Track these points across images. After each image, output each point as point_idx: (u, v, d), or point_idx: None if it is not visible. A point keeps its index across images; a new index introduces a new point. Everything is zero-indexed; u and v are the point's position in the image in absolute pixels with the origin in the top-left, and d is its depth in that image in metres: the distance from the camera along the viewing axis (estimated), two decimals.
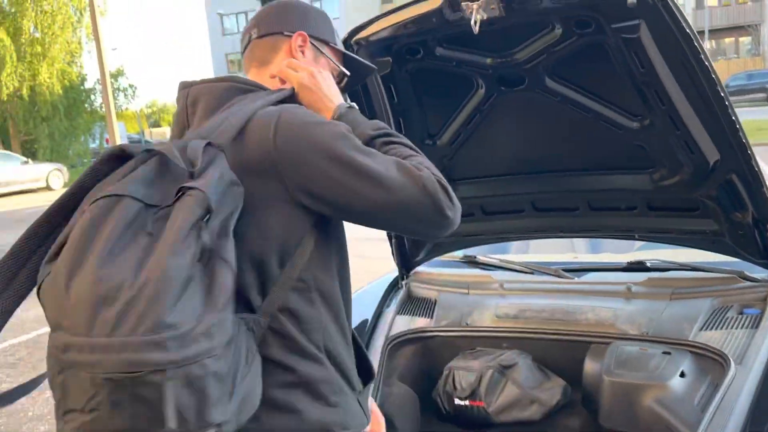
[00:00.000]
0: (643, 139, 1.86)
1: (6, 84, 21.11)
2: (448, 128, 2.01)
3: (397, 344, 2.18)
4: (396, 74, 1.82)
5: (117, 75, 26.00)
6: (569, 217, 2.24)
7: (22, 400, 1.07)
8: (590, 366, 1.91)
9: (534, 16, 1.55)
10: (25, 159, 19.44)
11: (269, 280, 1.01)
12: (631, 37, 1.52)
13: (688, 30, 1.45)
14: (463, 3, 1.51)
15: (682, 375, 1.77)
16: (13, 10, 21.96)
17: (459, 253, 2.70)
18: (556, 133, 1.97)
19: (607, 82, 1.74)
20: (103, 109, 20.68)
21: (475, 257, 2.63)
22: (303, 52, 1.22)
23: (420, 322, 2.31)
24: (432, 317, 2.33)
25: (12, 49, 21.06)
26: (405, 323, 2.31)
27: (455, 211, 1.05)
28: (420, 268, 2.65)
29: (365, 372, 1.21)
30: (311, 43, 1.24)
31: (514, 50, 1.70)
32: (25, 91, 21.91)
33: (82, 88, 24.89)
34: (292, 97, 1.15)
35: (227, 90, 1.10)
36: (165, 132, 60.88)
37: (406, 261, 2.56)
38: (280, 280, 1.02)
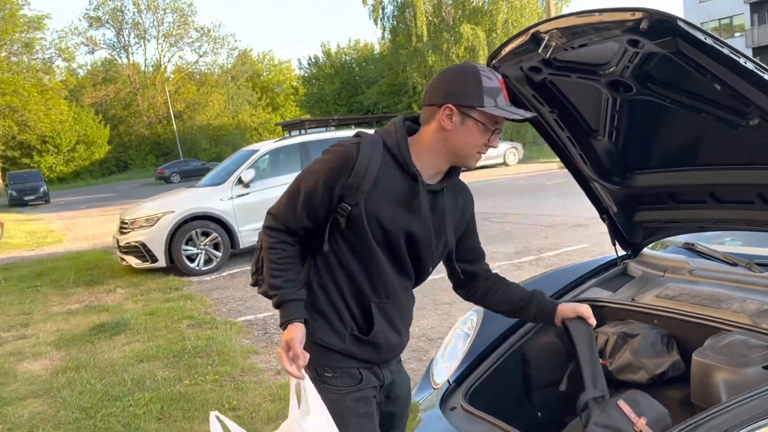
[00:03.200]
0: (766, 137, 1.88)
1: None
2: (602, 127, 2.34)
3: None
4: (534, 85, 2.28)
5: None
6: (748, 210, 2.26)
7: None
8: None
9: (596, 41, 1.87)
10: None
11: None
12: (674, 50, 1.71)
13: (711, 41, 1.61)
14: (541, 35, 1.96)
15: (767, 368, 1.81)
16: (489, 8, 25.47)
17: (681, 240, 2.84)
18: (695, 129, 2.11)
19: (700, 86, 1.87)
20: None
21: (693, 244, 2.75)
22: (451, 119, 1.60)
23: (604, 294, 2.65)
24: (617, 291, 2.64)
25: (484, 44, 24.59)
26: (591, 293, 2.68)
27: None
28: (646, 251, 2.90)
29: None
30: (459, 111, 1.60)
31: (609, 63, 2.00)
32: None
33: None
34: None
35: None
36: None
37: (627, 243, 2.86)
38: None
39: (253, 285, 1.85)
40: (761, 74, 1.63)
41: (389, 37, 28.41)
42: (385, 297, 1.73)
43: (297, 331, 1.63)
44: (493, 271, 2.00)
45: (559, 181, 15.25)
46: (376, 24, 28.20)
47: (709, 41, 1.61)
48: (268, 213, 1.74)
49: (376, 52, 41.48)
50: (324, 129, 11.09)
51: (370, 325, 1.72)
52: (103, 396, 4.23)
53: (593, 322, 1.91)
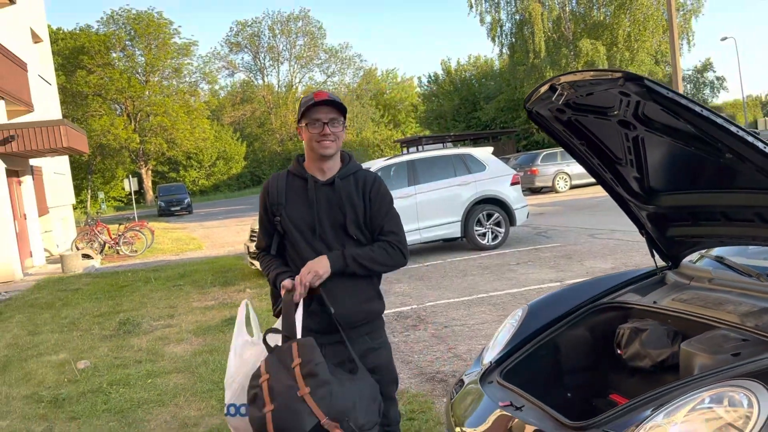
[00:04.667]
0: (744, 167, 2.28)
1: None
2: (624, 156, 2.80)
3: (602, 308, 3.05)
4: (563, 123, 2.79)
5: (703, 69, 26.21)
6: (751, 227, 2.63)
7: None
8: None
9: (598, 91, 2.37)
10: None
11: None
12: (651, 100, 2.19)
13: (672, 94, 2.08)
14: (556, 86, 2.49)
15: (735, 355, 2.21)
16: (610, 23, 25.02)
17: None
18: (694, 159, 2.52)
19: (681, 126, 2.31)
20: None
21: (723, 257, 3.10)
22: (300, 133, 2.38)
23: (634, 297, 3.07)
24: (646, 296, 3.05)
25: (604, 59, 24.19)
26: (624, 297, 3.11)
27: None
28: (684, 262, 3.28)
29: None
30: (299, 126, 2.38)
31: (613, 107, 2.48)
32: None
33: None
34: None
35: None
36: None
37: (666, 256, 3.26)
38: None
39: (275, 315, 2.48)
40: (715, 119, 2.08)
41: (507, 53, 28.64)
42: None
43: (288, 282, 2.27)
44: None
45: None
46: (494, 42, 28.56)
47: (670, 94, 2.09)
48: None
49: (495, 68, 41.72)
50: (441, 145, 11.71)
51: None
52: None
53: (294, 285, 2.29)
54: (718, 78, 26.90)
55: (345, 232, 2.36)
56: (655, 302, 2.91)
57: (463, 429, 2.54)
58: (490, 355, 2.99)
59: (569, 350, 2.97)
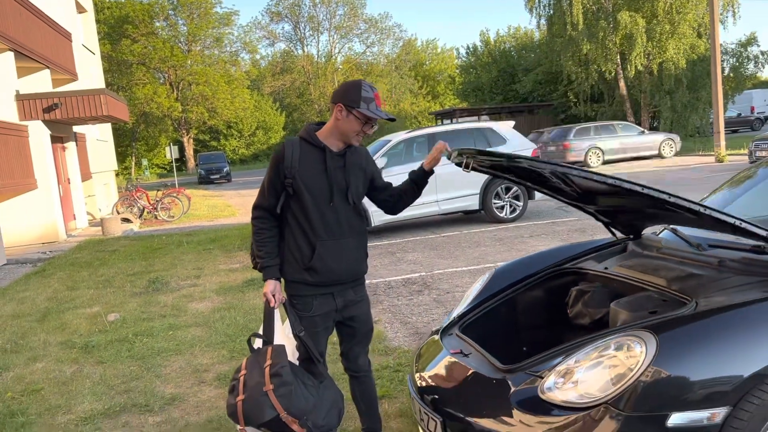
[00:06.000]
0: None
1: (635, 62, 23.97)
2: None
3: (561, 273, 3.33)
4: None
5: (747, 44, 25.33)
6: (663, 216, 2.91)
7: None
8: None
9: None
10: (641, 129, 21.92)
11: None
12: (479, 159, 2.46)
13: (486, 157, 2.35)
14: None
15: (653, 312, 2.49)
16: None
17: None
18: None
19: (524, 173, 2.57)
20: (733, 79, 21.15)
21: (676, 229, 3.34)
22: (341, 113, 2.54)
23: (590, 264, 3.34)
24: (601, 262, 3.32)
25: (643, 32, 23.64)
26: (583, 264, 3.39)
27: None
28: (644, 232, 3.52)
29: None
30: (345, 108, 2.54)
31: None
32: (654, 68, 24.33)
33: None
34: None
35: None
36: None
37: (628, 230, 3.51)
38: None
39: (254, 267, 2.79)
40: (519, 162, 2.48)
41: (546, 24, 28.17)
42: (328, 236, 2.64)
43: (271, 284, 2.65)
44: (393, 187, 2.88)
45: (706, 175, 14.76)
46: (531, 13, 28.00)
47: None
48: (252, 208, 2.73)
49: (536, 40, 41.05)
50: (476, 118, 11.91)
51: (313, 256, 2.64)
52: (243, 328, 5.57)
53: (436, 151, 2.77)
54: (762, 53, 25.95)
55: (345, 198, 2.66)
56: (606, 268, 3.19)
57: (422, 374, 2.89)
58: (457, 311, 3.32)
59: (527, 309, 3.28)
